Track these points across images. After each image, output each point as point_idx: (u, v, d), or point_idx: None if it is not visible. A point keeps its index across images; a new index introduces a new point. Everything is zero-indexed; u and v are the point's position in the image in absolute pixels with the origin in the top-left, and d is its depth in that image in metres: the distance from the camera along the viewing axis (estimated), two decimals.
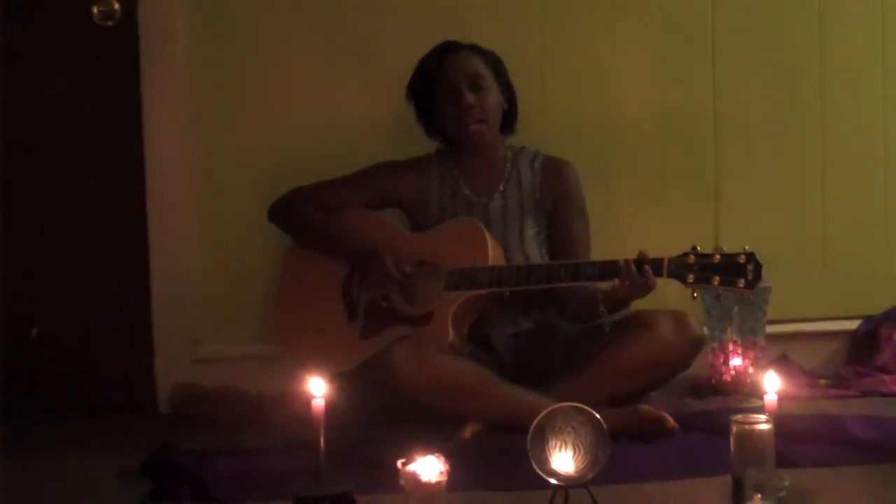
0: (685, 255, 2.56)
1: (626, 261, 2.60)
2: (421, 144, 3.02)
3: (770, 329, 3.14)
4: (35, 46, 3.12)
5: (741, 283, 2.50)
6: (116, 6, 3.11)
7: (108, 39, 3.13)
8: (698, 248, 2.56)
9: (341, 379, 2.49)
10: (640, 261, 2.59)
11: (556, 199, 2.97)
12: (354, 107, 3.23)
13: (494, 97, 2.92)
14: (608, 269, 2.62)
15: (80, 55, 3.15)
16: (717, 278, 2.52)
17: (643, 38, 3.32)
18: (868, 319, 3.35)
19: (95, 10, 3.11)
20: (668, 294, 2.65)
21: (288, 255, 3.01)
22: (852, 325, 3.37)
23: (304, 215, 2.95)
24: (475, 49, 2.95)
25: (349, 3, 3.25)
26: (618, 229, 3.22)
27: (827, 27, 3.35)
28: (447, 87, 2.89)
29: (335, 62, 3.23)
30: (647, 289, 2.60)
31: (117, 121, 3.17)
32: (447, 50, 2.94)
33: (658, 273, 2.58)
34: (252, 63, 3.23)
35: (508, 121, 2.99)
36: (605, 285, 2.66)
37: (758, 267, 2.50)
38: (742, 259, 2.51)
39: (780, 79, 3.36)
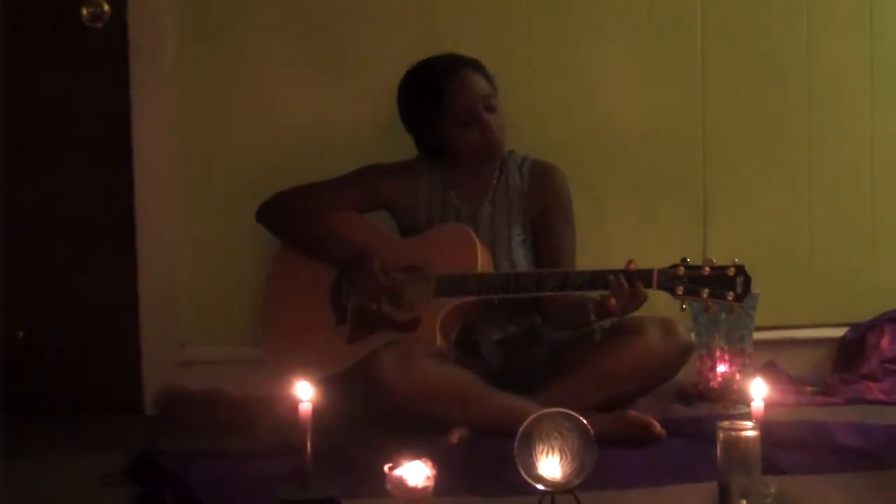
0: (675, 267, 2.56)
1: (616, 274, 2.58)
2: (406, 145, 3.00)
3: (757, 336, 3.13)
4: (24, 47, 3.10)
5: (730, 295, 2.50)
6: (105, 7, 3.10)
7: (97, 41, 3.12)
8: (688, 260, 2.55)
9: (327, 383, 2.49)
10: (630, 273, 2.58)
11: (544, 205, 2.96)
12: (341, 108, 3.23)
13: (502, 111, 2.89)
14: (597, 279, 2.61)
15: (69, 56, 3.13)
16: (707, 291, 2.52)
17: (632, 46, 3.32)
18: (855, 327, 3.36)
19: (84, 11, 3.10)
20: (657, 301, 2.64)
21: (276, 258, 3.00)
22: (839, 332, 3.37)
23: (292, 218, 2.94)
24: (474, 65, 2.89)
25: (336, 7, 3.25)
26: (606, 237, 3.23)
27: (815, 39, 3.35)
28: (464, 112, 2.84)
29: (322, 64, 3.23)
30: (640, 302, 2.60)
31: (105, 122, 3.16)
32: (449, 70, 2.86)
33: (647, 285, 2.57)
34: (240, 64, 3.23)
35: None
36: (593, 294, 2.66)
37: (747, 280, 2.50)
38: (731, 272, 2.50)
39: (768, 88, 3.36)
